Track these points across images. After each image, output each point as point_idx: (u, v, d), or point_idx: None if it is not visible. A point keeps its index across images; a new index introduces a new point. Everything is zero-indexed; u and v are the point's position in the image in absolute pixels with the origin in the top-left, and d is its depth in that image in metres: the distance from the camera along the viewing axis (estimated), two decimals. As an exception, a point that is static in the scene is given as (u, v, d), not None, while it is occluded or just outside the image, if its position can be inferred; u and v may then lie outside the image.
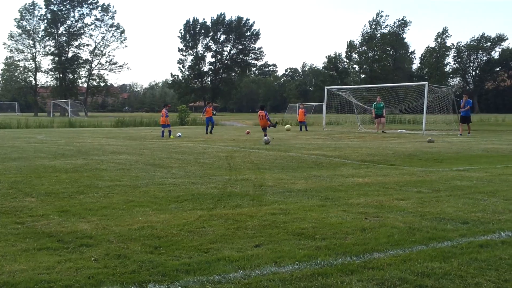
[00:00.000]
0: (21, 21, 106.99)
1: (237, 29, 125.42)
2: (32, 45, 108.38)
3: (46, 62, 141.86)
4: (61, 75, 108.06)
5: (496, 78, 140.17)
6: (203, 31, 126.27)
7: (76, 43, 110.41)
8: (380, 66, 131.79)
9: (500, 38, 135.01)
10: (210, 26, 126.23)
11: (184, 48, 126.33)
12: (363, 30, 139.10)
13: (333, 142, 22.14)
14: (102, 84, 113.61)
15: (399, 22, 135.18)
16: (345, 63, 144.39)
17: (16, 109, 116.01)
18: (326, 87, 40.94)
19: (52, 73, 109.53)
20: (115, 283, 4.38)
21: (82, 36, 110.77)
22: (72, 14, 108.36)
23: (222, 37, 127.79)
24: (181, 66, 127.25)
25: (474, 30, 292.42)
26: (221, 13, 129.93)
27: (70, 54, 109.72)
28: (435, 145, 20.42)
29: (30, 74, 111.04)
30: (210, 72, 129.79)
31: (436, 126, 34.44)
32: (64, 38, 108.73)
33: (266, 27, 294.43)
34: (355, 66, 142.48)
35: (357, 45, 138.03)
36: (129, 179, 10.32)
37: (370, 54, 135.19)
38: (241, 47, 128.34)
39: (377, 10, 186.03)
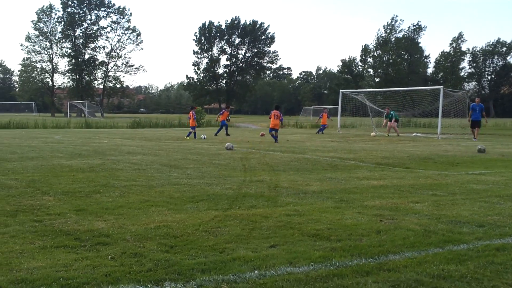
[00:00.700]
0: (38, 23, 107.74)
1: (252, 33, 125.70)
2: (49, 46, 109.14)
3: (63, 64, 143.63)
4: (77, 77, 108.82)
5: (511, 83, 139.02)
6: (218, 34, 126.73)
7: (93, 45, 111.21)
8: (395, 70, 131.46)
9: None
10: (225, 29, 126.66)
11: (199, 51, 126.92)
12: (378, 34, 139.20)
13: (348, 145, 22.10)
14: (118, 86, 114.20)
15: (414, 27, 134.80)
16: (359, 67, 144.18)
17: (33, 109, 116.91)
18: (341, 90, 40.85)
19: (69, 74, 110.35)
20: (131, 281, 4.42)
21: (99, 39, 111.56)
22: (88, 17, 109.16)
23: (237, 40, 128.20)
24: (196, 68, 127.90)
25: (490, 35, 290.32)
26: (236, 16, 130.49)
27: (86, 56, 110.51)
28: (451, 148, 20.31)
29: (47, 75, 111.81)
30: (225, 75, 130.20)
31: (451, 130, 34.29)
32: (81, 40, 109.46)
33: (281, 31, 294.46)
34: (369, 70, 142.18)
35: (372, 49, 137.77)
36: (145, 179, 10.38)
37: (384, 58, 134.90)
38: (255, 50, 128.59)
39: (392, 15, 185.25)
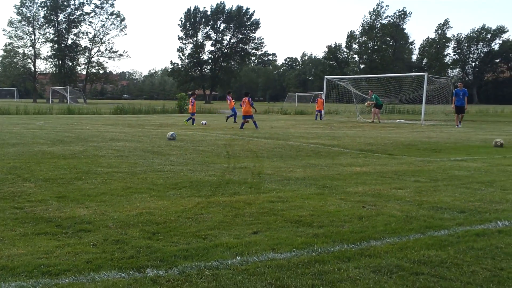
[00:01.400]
0: (21, 8, 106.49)
1: (237, 18, 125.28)
2: (31, 32, 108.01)
3: (45, 49, 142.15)
4: (60, 62, 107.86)
5: (495, 70, 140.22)
6: (203, 19, 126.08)
7: (76, 31, 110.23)
8: (379, 56, 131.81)
9: (501, 30, 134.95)
10: (210, 15, 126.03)
11: (184, 37, 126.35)
12: (363, 20, 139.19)
13: (332, 132, 22.16)
14: (101, 72, 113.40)
15: (399, 13, 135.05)
16: (345, 53, 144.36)
17: (15, 95, 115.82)
18: (325, 76, 40.90)
19: (51, 60, 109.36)
20: (113, 268, 4.40)
21: (82, 24, 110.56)
22: (72, 2, 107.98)
23: (222, 26, 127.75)
24: (180, 54, 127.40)
25: (475, 21, 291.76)
26: (221, 1, 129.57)
27: (69, 42, 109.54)
28: (434, 135, 20.45)
29: (29, 60, 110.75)
30: (210, 61, 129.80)
31: (434, 116, 34.51)
32: (64, 26, 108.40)
33: (266, 16, 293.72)
34: (355, 56, 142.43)
35: (357, 35, 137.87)
36: (127, 166, 10.33)
37: (370, 44, 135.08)
38: (241, 36, 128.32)
39: (378, 1, 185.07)
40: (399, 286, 4.08)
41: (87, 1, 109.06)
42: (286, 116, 45.97)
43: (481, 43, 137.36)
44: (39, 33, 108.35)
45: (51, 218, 6.00)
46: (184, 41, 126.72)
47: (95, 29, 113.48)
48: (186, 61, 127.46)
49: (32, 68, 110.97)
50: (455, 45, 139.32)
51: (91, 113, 43.60)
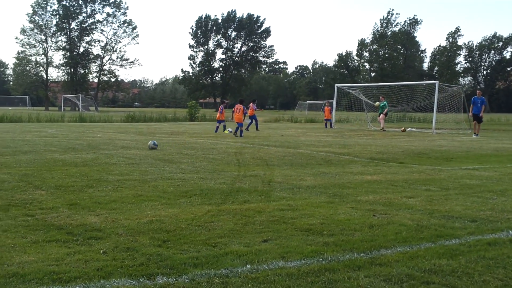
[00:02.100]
0: (34, 16, 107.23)
1: (248, 26, 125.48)
2: (44, 40, 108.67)
3: (57, 57, 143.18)
4: (72, 70, 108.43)
5: (507, 78, 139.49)
6: (214, 28, 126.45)
7: (88, 39, 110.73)
8: (390, 64, 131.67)
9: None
10: (221, 23, 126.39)
11: (195, 45, 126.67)
12: (374, 28, 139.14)
13: (343, 140, 22.12)
14: (112, 80, 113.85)
15: (410, 21, 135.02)
16: (355, 61, 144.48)
17: (27, 103, 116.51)
18: (336, 84, 40.84)
19: (64, 68, 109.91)
20: (123, 275, 4.42)
21: (94, 32, 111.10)
22: (84, 10, 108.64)
23: (233, 34, 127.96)
24: (191, 62, 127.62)
25: (486, 29, 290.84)
26: (232, 10, 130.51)
27: (81, 50, 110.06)
28: (445, 143, 20.37)
29: (41, 68, 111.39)
30: (221, 69, 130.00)
31: (446, 125, 34.37)
32: (76, 34, 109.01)
33: (277, 25, 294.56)
34: (365, 64, 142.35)
35: (368, 43, 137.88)
36: (138, 174, 10.36)
37: (380, 52, 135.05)
38: (251, 44, 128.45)
39: (388, 9, 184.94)
40: (410, 295, 4.06)
41: (99, 9, 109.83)
42: (296, 124, 45.97)
43: (493, 51, 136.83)
44: (51, 41, 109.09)
45: (62, 226, 6.03)
46: (195, 49, 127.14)
47: (107, 37, 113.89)
48: (197, 69, 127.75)
49: (44, 76, 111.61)
50: (466, 53, 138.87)
51: (103, 121, 43.83)
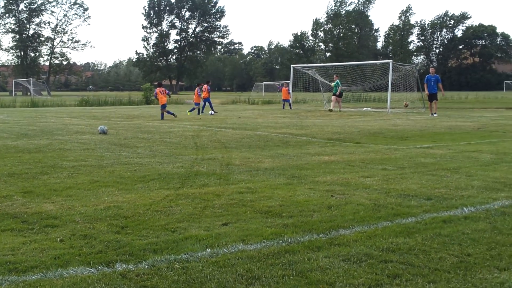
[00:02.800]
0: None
1: (201, 6, 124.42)
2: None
3: (6, 40, 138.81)
4: (22, 53, 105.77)
5: (459, 56, 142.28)
6: (167, 8, 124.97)
7: (37, 20, 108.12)
8: (345, 44, 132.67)
9: (464, 16, 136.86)
10: (174, 3, 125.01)
11: (149, 26, 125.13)
12: (328, 7, 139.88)
13: (300, 121, 22.23)
14: (64, 63, 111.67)
15: (363, 0, 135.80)
16: (311, 41, 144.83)
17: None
18: (292, 65, 40.95)
19: (13, 51, 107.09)
20: (81, 263, 4.35)
21: (43, 13, 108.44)
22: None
23: (187, 14, 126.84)
24: (145, 43, 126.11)
25: (438, 8, 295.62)
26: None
27: (31, 32, 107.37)
28: (400, 123, 20.71)
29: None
30: (175, 50, 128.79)
31: (400, 104, 34.83)
32: (25, 15, 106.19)
33: (231, 5, 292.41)
34: (320, 44, 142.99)
35: (323, 23, 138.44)
36: (94, 159, 10.20)
37: (335, 32, 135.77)
38: (206, 24, 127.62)
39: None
40: (368, 274, 4.11)
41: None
42: (253, 105, 45.96)
43: (445, 30, 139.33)
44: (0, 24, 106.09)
45: (16, 214, 5.90)
46: (148, 30, 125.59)
47: (57, 19, 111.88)
48: (151, 50, 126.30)
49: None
50: (419, 32, 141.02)
51: (56, 105, 42.96)
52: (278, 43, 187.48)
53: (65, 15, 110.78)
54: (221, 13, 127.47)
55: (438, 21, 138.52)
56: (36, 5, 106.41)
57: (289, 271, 4.17)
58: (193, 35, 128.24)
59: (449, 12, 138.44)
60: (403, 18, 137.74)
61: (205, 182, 7.90)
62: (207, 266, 4.30)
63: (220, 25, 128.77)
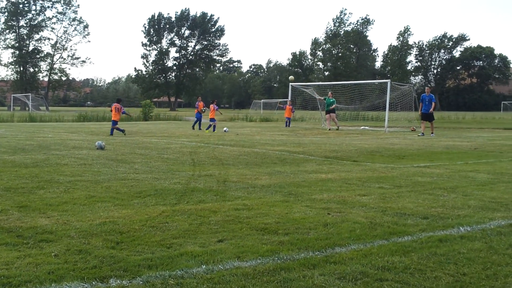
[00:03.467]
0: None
1: (201, 25, 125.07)
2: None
3: (6, 55, 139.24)
4: (21, 69, 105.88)
5: (457, 77, 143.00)
6: (167, 26, 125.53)
7: (37, 36, 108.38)
8: (343, 63, 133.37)
9: (462, 38, 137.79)
10: (174, 21, 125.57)
11: (148, 43, 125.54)
12: (327, 27, 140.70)
13: (297, 138, 22.26)
14: (63, 79, 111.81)
15: (362, 20, 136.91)
16: (309, 60, 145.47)
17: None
18: (290, 83, 41.06)
19: (13, 66, 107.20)
20: (76, 278, 4.32)
21: (44, 30, 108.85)
22: (33, 7, 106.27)
23: (187, 33, 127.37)
24: (145, 61, 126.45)
25: (436, 29, 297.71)
26: (185, 8, 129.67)
27: (31, 48, 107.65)
28: (397, 142, 20.72)
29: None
30: (175, 68, 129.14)
31: (398, 123, 34.94)
32: (25, 31, 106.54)
33: (231, 23, 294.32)
34: (319, 63, 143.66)
35: (322, 43, 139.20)
36: (90, 174, 10.18)
37: (334, 51, 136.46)
38: (205, 43, 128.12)
39: (341, 8, 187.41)
40: (364, 293, 4.10)
41: (49, 6, 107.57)
42: (251, 123, 46.04)
43: (443, 51, 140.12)
44: (0, 39, 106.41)
45: (12, 228, 5.87)
46: (148, 48, 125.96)
47: (57, 35, 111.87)
48: (151, 67, 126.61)
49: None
50: (417, 52, 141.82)
51: (54, 120, 42.97)
52: (277, 61, 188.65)
53: (65, 32, 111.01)
54: (221, 31, 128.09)
55: (436, 42, 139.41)
56: (36, 21, 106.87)
57: (284, 289, 4.16)
58: (192, 53, 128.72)
59: (447, 34, 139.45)
60: (401, 38, 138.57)
61: (202, 198, 7.88)
62: (202, 282, 4.28)
63: (220, 43, 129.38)
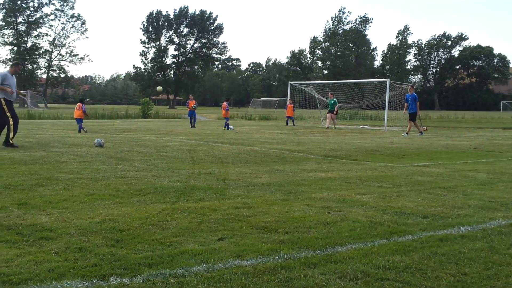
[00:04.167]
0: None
1: (200, 23, 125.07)
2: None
3: (4, 52, 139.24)
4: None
5: (456, 76, 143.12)
6: (166, 23, 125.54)
7: (35, 33, 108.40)
8: (342, 62, 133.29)
9: (461, 37, 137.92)
10: (173, 18, 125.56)
11: (147, 41, 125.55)
12: (326, 26, 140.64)
13: (297, 137, 22.25)
14: (62, 76, 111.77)
15: (361, 19, 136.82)
16: (308, 59, 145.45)
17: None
18: (289, 82, 41.07)
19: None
20: (76, 276, 4.30)
21: (42, 26, 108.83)
22: (31, 4, 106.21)
23: (185, 30, 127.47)
24: (143, 58, 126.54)
25: (436, 28, 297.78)
26: (184, 6, 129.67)
27: (29, 44, 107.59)
28: (397, 141, 20.73)
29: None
30: (173, 65, 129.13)
31: (397, 122, 34.96)
32: (23, 28, 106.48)
33: (230, 21, 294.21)
34: (318, 61, 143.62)
35: (320, 41, 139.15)
36: (90, 172, 10.17)
37: (333, 50, 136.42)
38: (204, 40, 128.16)
39: (340, 7, 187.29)
40: (365, 292, 4.09)
41: (46, 2, 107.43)
42: (250, 121, 46.05)
43: (442, 50, 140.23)
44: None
45: (11, 226, 5.85)
46: (146, 45, 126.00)
47: (55, 32, 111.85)
48: (149, 65, 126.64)
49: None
50: (416, 52, 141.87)
51: (52, 117, 42.98)
52: (276, 59, 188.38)
53: (63, 28, 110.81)
54: (220, 29, 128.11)
55: (435, 41, 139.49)
56: (34, 18, 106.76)
57: (285, 288, 4.15)
58: (191, 51, 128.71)
59: (446, 33, 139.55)
60: (400, 37, 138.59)
61: (201, 196, 7.86)
62: (202, 281, 4.26)
63: (219, 41, 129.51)
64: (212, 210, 6.84)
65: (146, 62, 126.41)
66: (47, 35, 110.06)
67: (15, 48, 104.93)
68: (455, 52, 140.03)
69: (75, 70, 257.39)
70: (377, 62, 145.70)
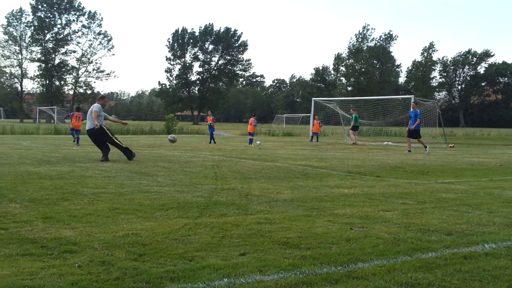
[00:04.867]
0: (8, 27, 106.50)
1: (225, 40, 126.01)
2: (18, 51, 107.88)
3: (32, 69, 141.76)
4: (47, 82, 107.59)
5: (481, 93, 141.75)
6: (191, 40, 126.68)
7: (63, 50, 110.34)
8: (366, 78, 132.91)
9: (487, 54, 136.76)
10: (198, 36, 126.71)
11: (172, 57, 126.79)
12: (350, 43, 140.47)
13: (320, 153, 22.19)
14: (88, 92, 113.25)
15: (386, 36, 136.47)
16: (332, 75, 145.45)
17: (1, 115, 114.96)
18: (313, 98, 41.07)
19: (39, 79, 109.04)
20: (98, 289, 4.35)
21: (69, 43, 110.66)
22: (58, 21, 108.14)
23: (210, 47, 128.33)
24: (168, 75, 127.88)
25: (460, 45, 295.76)
26: (209, 23, 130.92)
27: (56, 61, 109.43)
28: (421, 157, 20.56)
29: (16, 80, 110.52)
30: (198, 82, 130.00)
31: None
32: (51, 45, 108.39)
33: (254, 38, 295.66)
34: (342, 78, 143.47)
35: (344, 58, 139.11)
36: (114, 187, 10.26)
37: (357, 66, 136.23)
38: (228, 57, 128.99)
39: (364, 24, 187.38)
40: (387, 309, 4.06)
41: (74, 20, 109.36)
42: (274, 137, 46.06)
43: (467, 67, 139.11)
44: (26, 52, 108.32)
45: (36, 239, 5.93)
46: (172, 62, 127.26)
47: (82, 49, 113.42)
48: (174, 81, 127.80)
49: (19, 88, 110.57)
50: (441, 68, 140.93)
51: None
52: (300, 76, 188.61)
53: (90, 46, 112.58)
54: (244, 46, 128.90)
55: (461, 58, 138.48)
56: (62, 35, 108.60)
57: (306, 303, 4.13)
58: (215, 68, 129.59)
59: (472, 50, 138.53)
60: (425, 54, 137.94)
61: (224, 211, 7.88)
62: (224, 295, 4.28)
63: (243, 58, 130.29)
64: (234, 225, 6.85)
65: (171, 78, 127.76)
66: (74, 52, 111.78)
67: (43, 65, 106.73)
68: (481, 69, 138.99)
69: (101, 87, 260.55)
70: (402, 79, 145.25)
